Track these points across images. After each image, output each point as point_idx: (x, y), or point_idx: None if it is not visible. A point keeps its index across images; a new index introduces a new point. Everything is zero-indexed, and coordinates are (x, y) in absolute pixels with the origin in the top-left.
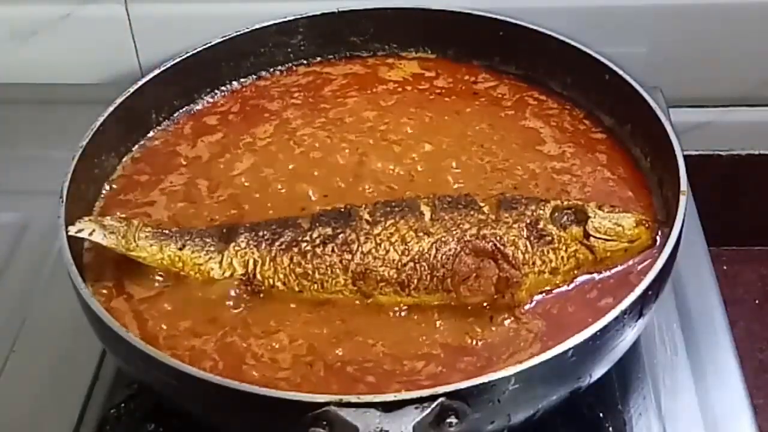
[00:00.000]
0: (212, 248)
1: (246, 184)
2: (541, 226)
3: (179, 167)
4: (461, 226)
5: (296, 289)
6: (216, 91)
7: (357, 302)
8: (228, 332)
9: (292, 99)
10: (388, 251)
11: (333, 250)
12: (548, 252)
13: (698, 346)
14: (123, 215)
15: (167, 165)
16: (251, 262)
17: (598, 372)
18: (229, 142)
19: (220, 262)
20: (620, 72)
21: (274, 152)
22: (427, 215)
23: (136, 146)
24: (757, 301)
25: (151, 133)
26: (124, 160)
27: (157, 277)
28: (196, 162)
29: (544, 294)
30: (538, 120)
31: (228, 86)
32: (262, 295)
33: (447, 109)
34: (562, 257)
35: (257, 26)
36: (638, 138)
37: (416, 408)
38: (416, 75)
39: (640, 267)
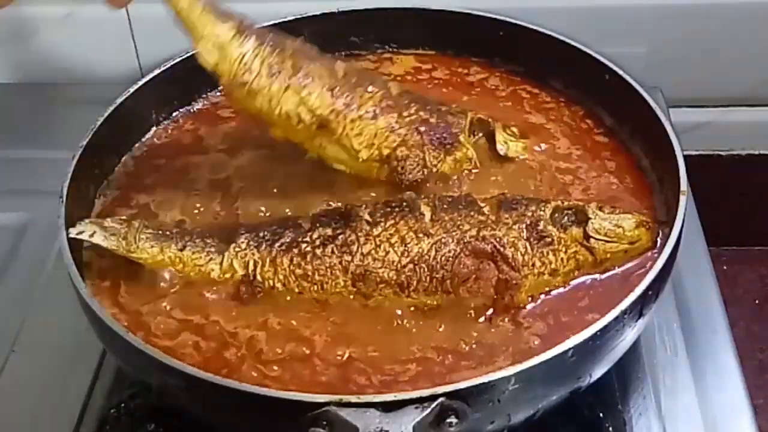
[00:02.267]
0: (212, 249)
1: (247, 174)
2: (541, 227)
3: (179, 166)
4: (461, 227)
5: (296, 290)
6: (216, 90)
7: (355, 303)
8: (227, 332)
9: None
10: (387, 252)
11: (333, 252)
12: (548, 254)
13: (698, 346)
14: (123, 216)
15: (168, 164)
16: (251, 263)
17: (598, 372)
18: (232, 138)
19: (221, 263)
20: (620, 72)
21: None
22: (428, 216)
23: (136, 146)
24: (757, 301)
25: (150, 133)
26: (124, 159)
27: (157, 277)
28: (196, 159)
29: (543, 295)
30: (540, 114)
31: None
32: (261, 295)
33: (445, 98)
34: (562, 259)
35: (257, 26)
36: (638, 138)
37: (416, 408)
38: (415, 68)
39: (639, 267)
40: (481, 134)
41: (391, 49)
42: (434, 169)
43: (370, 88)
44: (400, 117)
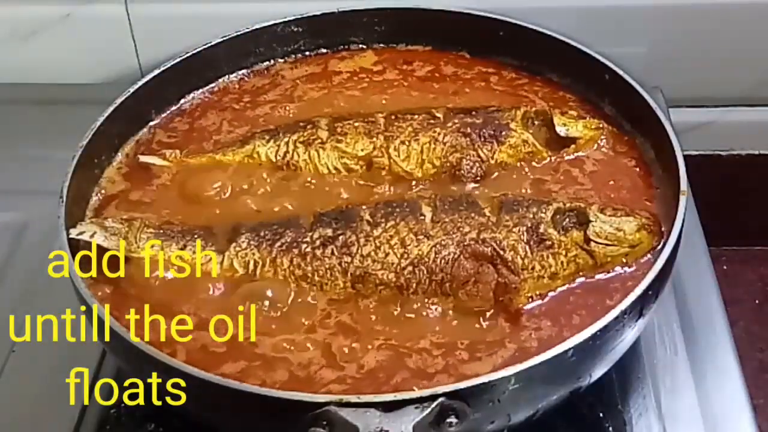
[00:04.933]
0: (213, 248)
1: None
2: (541, 230)
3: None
4: (461, 229)
5: (296, 291)
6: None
7: (356, 301)
8: (228, 330)
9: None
10: (387, 254)
11: (333, 252)
12: (548, 257)
13: (698, 346)
14: (124, 216)
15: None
16: (251, 263)
17: (598, 372)
18: (232, 138)
19: (221, 263)
20: (620, 72)
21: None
22: (428, 216)
23: (136, 145)
24: (757, 301)
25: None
26: (123, 158)
27: (158, 277)
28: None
29: (543, 296)
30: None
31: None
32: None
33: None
34: (562, 262)
35: (257, 26)
36: (638, 138)
37: (416, 408)
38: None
39: (640, 267)
40: (539, 122)
41: (389, 48)
42: (492, 161)
43: (409, 116)
44: (443, 128)
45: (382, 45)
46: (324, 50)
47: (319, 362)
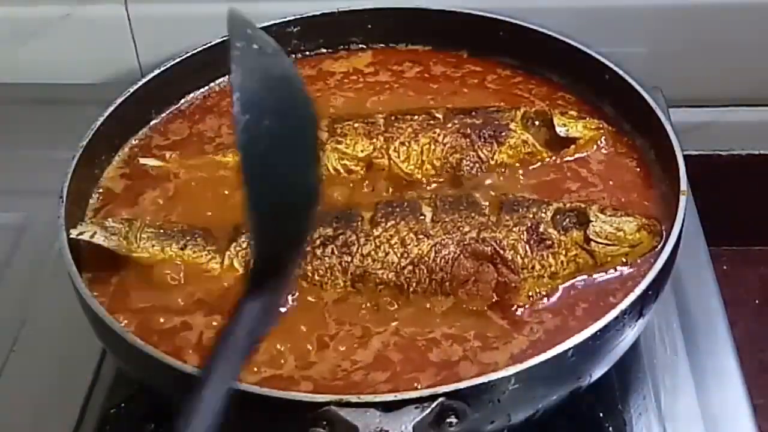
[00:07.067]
0: (213, 248)
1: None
2: (541, 229)
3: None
4: (461, 228)
5: (295, 290)
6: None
7: (356, 299)
8: None
9: None
10: (387, 254)
11: (333, 252)
12: (548, 256)
13: (698, 346)
14: (125, 216)
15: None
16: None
17: (598, 372)
18: (231, 138)
19: (221, 262)
20: (620, 72)
21: None
22: (428, 216)
23: (136, 145)
24: (757, 302)
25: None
26: (123, 158)
27: (158, 277)
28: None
29: (543, 296)
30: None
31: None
32: None
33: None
34: (562, 262)
35: (257, 26)
36: (638, 138)
37: (416, 408)
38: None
39: (639, 267)
40: (539, 122)
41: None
42: (492, 162)
43: (409, 117)
44: (443, 129)
45: (381, 45)
46: (323, 50)
47: (331, 362)
